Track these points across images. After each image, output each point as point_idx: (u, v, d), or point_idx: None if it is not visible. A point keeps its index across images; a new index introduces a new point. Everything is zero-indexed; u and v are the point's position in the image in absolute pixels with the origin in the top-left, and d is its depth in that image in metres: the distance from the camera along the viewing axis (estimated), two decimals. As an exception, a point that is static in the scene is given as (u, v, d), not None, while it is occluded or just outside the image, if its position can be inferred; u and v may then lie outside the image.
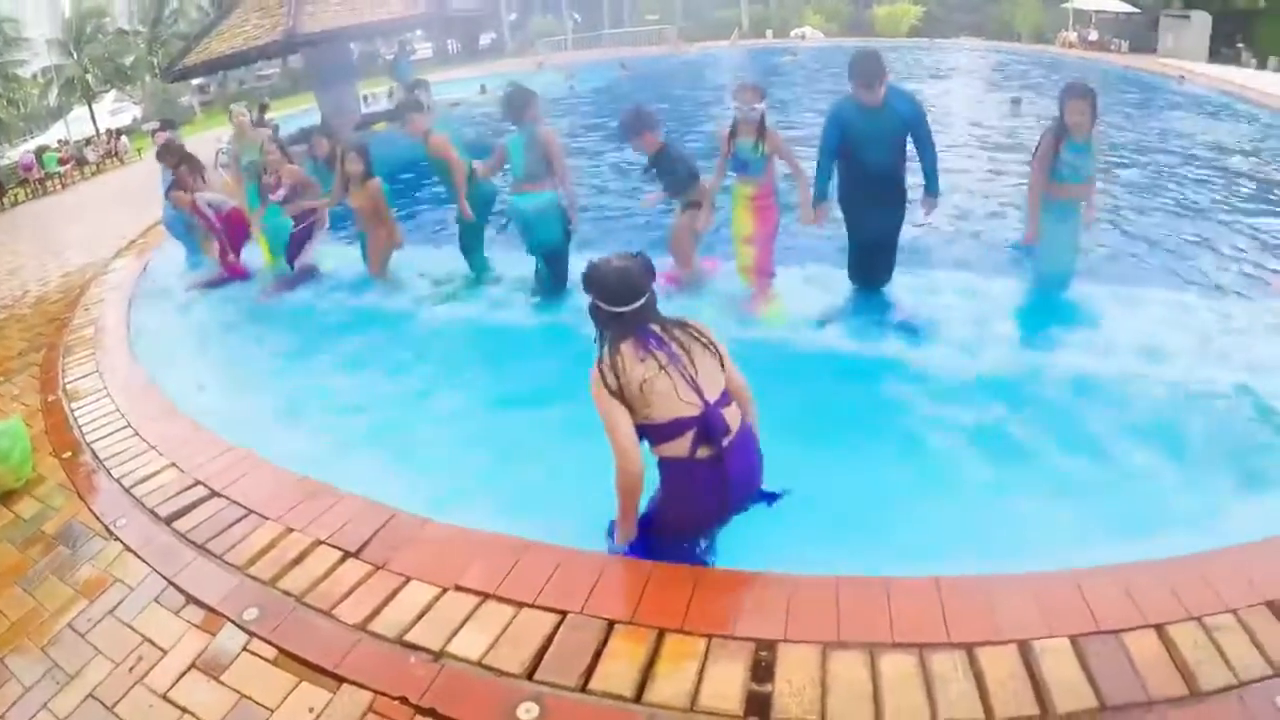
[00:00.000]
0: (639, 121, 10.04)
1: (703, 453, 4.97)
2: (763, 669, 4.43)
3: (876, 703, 4.19)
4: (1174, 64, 35.36)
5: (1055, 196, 9.15)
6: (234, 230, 12.94)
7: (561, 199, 10.20)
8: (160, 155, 13.72)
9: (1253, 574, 4.90)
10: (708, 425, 4.92)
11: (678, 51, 49.88)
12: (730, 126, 9.48)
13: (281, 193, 12.00)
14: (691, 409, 4.90)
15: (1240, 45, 42.28)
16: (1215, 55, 41.97)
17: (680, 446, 4.98)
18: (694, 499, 5.17)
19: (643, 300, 4.97)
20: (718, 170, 9.90)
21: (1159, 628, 4.54)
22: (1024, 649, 4.43)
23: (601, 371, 4.94)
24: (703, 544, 5.48)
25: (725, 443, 5.00)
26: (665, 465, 5.12)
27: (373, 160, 11.43)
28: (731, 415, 5.05)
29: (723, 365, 5.10)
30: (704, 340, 5.04)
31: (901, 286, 10.16)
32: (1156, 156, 18.72)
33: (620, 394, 4.89)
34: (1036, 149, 9.22)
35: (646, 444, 5.06)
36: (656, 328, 5.01)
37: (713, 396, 4.95)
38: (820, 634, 4.60)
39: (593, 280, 5.01)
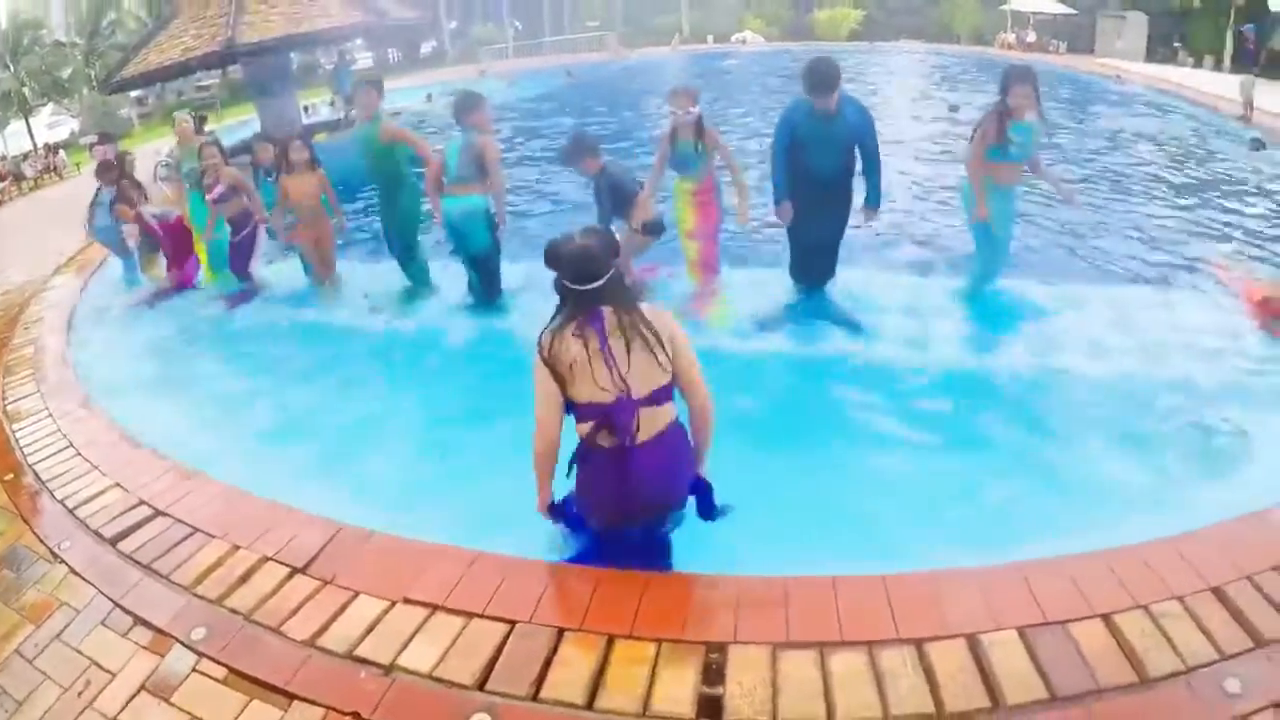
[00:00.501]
0: (580, 147, 10.07)
1: (605, 441, 4.97)
2: (713, 671, 4.44)
3: (828, 701, 4.21)
4: (1112, 64, 35.80)
5: (993, 178, 9.27)
6: (178, 240, 12.81)
7: (490, 205, 10.18)
8: (99, 173, 13.53)
9: (1198, 561, 4.96)
10: (613, 417, 4.89)
11: (619, 57, 49.74)
12: (670, 129, 9.52)
13: (220, 189, 11.84)
14: (606, 396, 4.86)
15: (1177, 45, 42.90)
16: (1152, 55, 42.57)
17: (588, 429, 4.99)
18: (593, 484, 5.18)
19: (603, 280, 4.85)
20: (655, 171, 9.88)
21: (1106, 617, 4.59)
22: (972, 642, 4.47)
23: (540, 340, 4.92)
24: (649, 542, 5.51)
25: (636, 441, 4.96)
26: (579, 444, 5.11)
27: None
28: (651, 417, 4.97)
29: (665, 365, 4.94)
30: (647, 335, 4.87)
31: (844, 285, 10.20)
32: (1098, 153, 19.00)
33: (551, 366, 4.87)
34: (976, 129, 9.33)
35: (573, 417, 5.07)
36: (608, 310, 4.88)
37: (638, 393, 4.88)
38: (770, 634, 4.62)
39: (553, 256, 4.93)
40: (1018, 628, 4.54)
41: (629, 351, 4.81)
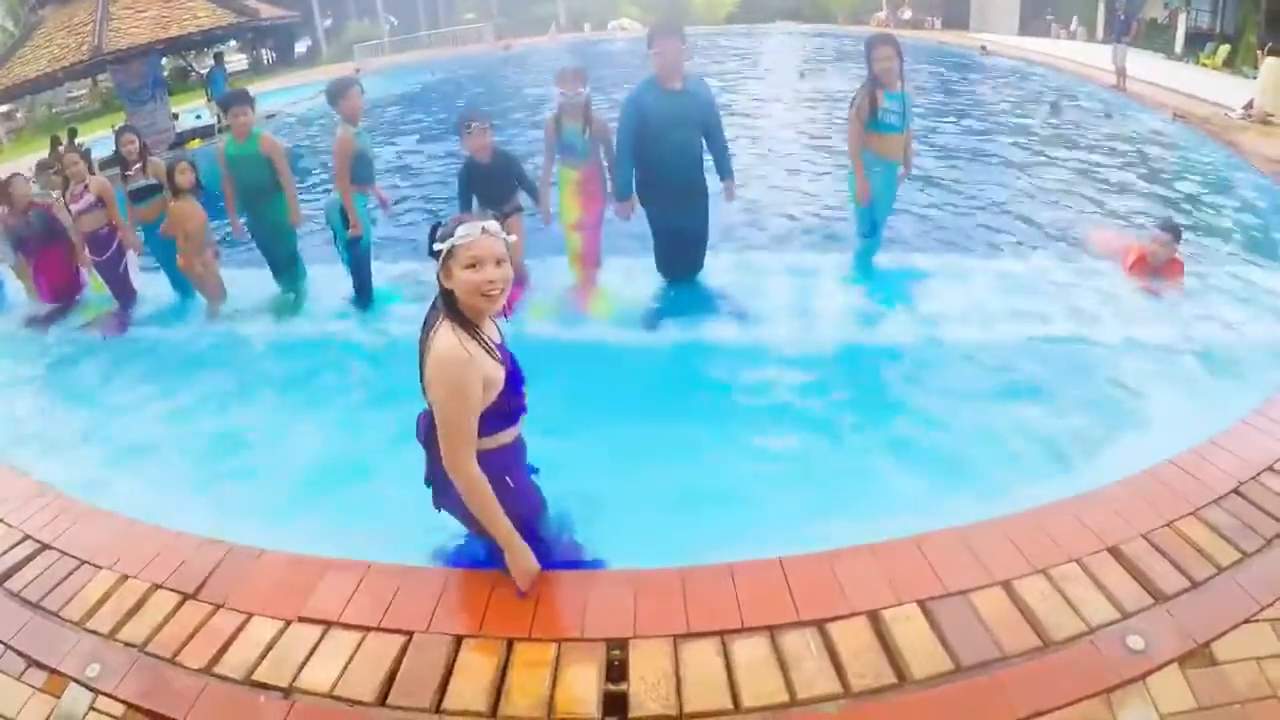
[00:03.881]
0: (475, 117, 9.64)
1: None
2: (616, 668, 4.41)
3: (733, 689, 4.20)
4: (987, 38, 36.31)
5: (875, 151, 9.44)
6: (52, 252, 12.44)
7: (339, 202, 10.08)
8: None
9: (1092, 522, 5.05)
10: (419, 422, 4.85)
11: (503, 49, 49.36)
12: (556, 114, 9.47)
13: (89, 199, 11.49)
14: None
15: (1050, 17, 43.75)
16: (1025, 27, 43.41)
17: None
18: None
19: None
20: (546, 160, 9.78)
21: (1006, 584, 4.65)
22: (874, 620, 4.48)
23: None
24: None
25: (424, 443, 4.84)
26: None
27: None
28: None
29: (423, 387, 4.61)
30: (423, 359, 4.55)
31: (721, 269, 10.28)
32: (967, 127, 19.34)
33: None
34: (852, 103, 9.47)
35: None
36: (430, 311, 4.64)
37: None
38: (670, 626, 4.59)
39: None
40: (918, 601, 4.56)
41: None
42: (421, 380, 4.54)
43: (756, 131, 19.56)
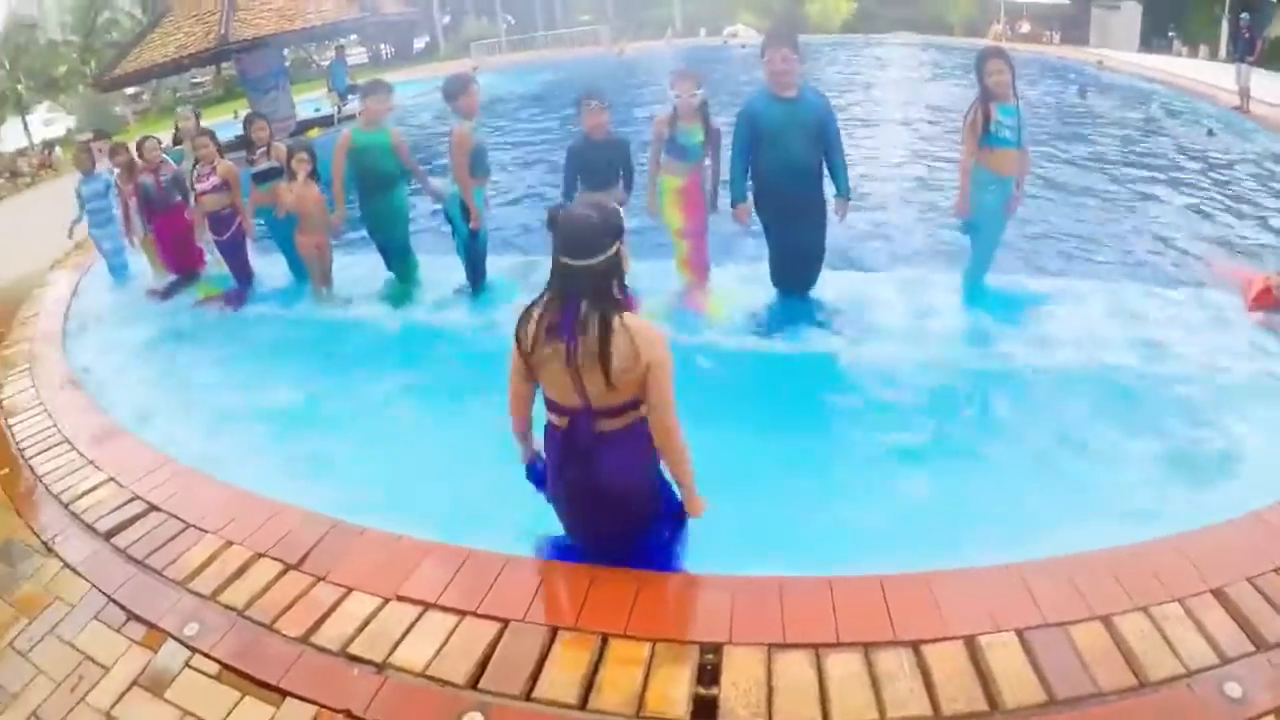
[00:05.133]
0: (595, 95, 9.69)
1: (561, 423, 4.81)
2: (708, 672, 4.41)
3: (824, 703, 4.17)
4: (1106, 54, 35.64)
5: (989, 168, 9.26)
6: (177, 225, 12.75)
7: (459, 195, 10.30)
8: (113, 153, 13.50)
9: (1198, 562, 4.92)
10: (572, 422, 4.74)
11: (617, 52, 49.36)
12: (670, 115, 9.39)
13: (213, 180, 11.79)
14: (568, 401, 4.66)
15: (1171, 35, 42.88)
16: (1146, 45, 42.52)
17: (554, 418, 4.84)
18: (547, 454, 5.06)
19: (595, 261, 4.45)
20: (652, 161, 9.72)
21: (1105, 619, 4.55)
22: (970, 644, 4.43)
23: (519, 317, 4.70)
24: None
25: (594, 431, 4.75)
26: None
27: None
28: (607, 424, 4.70)
29: (622, 391, 4.60)
30: (608, 354, 4.46)
31: (833, 284, 10.14)
32: (1079, 145, 18.90)
33: (519, 345, 4.66)
34: (966, 117, 9.32)
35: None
36: (586, 304, 4.49)
37: (598, 404, 4.62)
38: (765, 635, 4.58)
39: (553, 221, 4.61)
40: (1016, 629, 4.50)
41: (584, 368, 4.52)
42: (608, 373, 4.48)
43: (870, 146, 19.36)
